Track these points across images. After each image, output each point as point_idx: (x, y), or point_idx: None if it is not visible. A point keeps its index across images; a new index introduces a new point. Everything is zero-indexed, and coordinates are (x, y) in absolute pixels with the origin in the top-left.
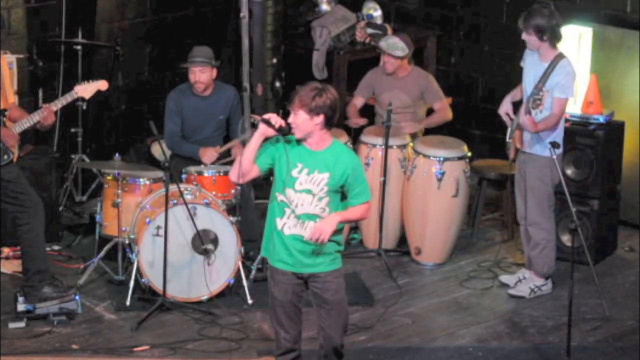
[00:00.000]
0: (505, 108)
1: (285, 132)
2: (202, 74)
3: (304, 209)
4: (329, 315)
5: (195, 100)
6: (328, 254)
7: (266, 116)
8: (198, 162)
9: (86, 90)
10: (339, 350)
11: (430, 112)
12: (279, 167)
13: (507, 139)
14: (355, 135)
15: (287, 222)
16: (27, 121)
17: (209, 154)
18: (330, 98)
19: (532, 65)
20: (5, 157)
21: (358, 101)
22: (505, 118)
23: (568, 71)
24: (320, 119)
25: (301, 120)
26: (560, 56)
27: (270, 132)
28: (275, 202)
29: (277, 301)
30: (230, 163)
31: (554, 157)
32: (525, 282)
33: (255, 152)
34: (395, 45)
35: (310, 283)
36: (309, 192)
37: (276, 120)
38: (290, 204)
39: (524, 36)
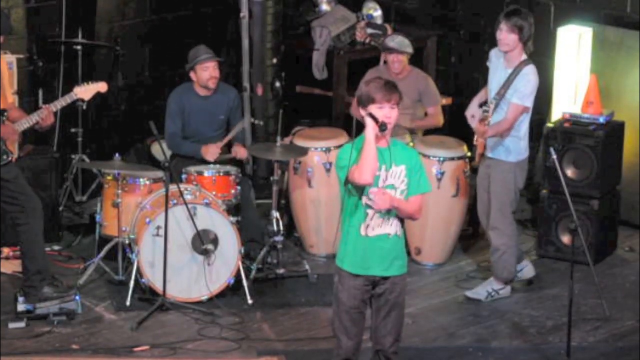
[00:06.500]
0: (471, 111)
1: (384, 128)
2: (216, 69)
3: None
4: (386, 318)
5: (197, 101)
6: (401, 257)
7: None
8: (199, 161)
9: (86, 92)
10: (388, 356)
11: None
12: None
13: (474, 142)
14: (356, 135)
15: (371, 223)
16: (27, 121)
17: (211, 151)
18: None
19: (496, 69)
20: (5, 157)
21: None
22: (470, 120)
23: (529, 79)
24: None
25: (397, 115)
26: (525, 62)
27: (375, 128)
28: (355, 208)
29: (344, 306)
30: (231, 163)
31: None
32: (483, 285)
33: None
34: (404, 43)
35: (379, 285)
36: (392, 187)
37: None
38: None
39: (503, 34)
